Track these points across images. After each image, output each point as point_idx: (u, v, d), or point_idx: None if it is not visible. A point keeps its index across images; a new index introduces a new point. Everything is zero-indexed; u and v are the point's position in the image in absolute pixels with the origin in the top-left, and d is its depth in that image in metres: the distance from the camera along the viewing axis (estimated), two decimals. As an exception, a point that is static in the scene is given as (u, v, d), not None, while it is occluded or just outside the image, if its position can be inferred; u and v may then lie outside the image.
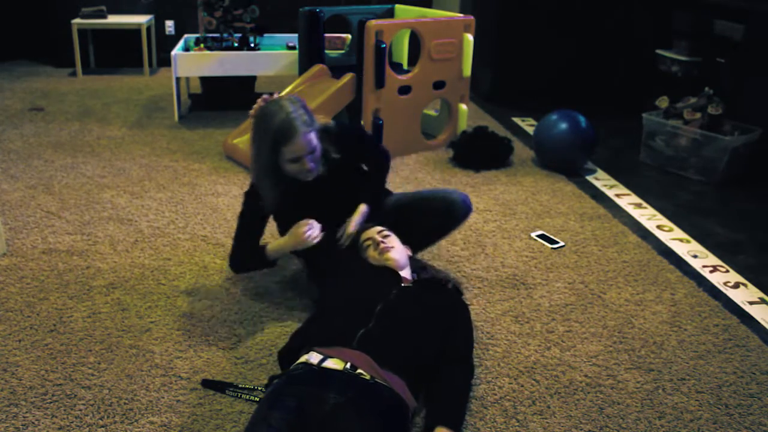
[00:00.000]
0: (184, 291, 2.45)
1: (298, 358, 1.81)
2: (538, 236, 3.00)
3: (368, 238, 2.31)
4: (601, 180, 3.78)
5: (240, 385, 1.93)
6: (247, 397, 1.89)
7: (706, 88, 3.87)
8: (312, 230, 2.18)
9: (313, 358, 1.75)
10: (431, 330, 1.94)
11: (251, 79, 4.99)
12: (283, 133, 2.14)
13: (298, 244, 2.21)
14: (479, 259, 2.78)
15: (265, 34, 4.89)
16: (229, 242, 2.81)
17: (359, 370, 1.70)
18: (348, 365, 1.71)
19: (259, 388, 1.91)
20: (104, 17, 5.70)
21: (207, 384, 1.95)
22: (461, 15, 4.03)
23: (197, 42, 4.70)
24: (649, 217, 3.29)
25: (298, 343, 1.86)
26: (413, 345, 1.86)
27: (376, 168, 2.53)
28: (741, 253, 2.96)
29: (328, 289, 2.15)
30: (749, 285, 2.68)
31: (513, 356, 2.15)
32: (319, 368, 1.71)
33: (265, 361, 2.07)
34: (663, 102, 4.00)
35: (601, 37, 5.19)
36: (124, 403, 1.87)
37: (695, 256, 2.90)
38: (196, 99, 5.11)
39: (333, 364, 1.72)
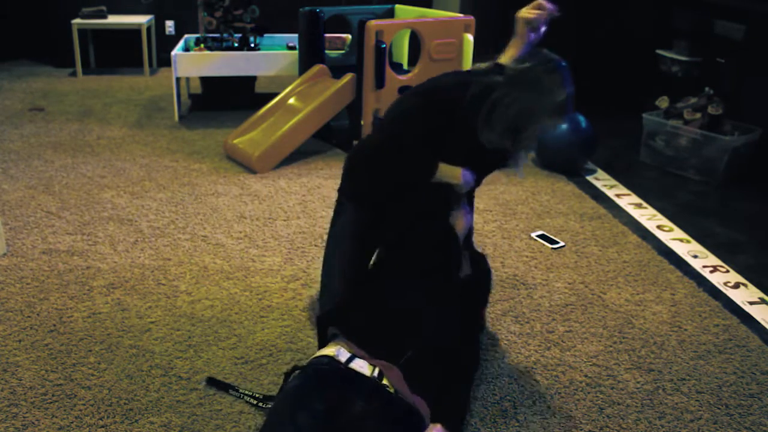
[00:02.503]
0: (184, 291, 2.45)
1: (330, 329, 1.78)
2: (538, 236, 3.00)
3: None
4: (601, 180, 3.78)
5: (242, 390, 1.92)
6: (248, 399, 1.89)
7: (706, 88, 3.87)
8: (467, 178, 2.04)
9: (342, 354, 1.70)
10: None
11: (251, 79, 4.99)
12: (560, 109, 1.87)
13: (454, 178, 2.03)
14: (479, 259, 2.78)
15: (265, 34, 4.89)
16: (229, 242, 2.82)
17: (385, 381, 1.65)
18: (376, 372, 1.66)
19: (260, 395, 1.89)
20: (104, 17, 5.70)
21: (211, 382, 1.94)
22: (461, 15, 4.03)
23: (197, 42, 4.70)
24: (649, 217, 3.29)
25: (343, 326, 1.79)
26: (445, 372, 1.81)
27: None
28: (741, 253, 2.96)
29: (390, 262, 2.04)
30: (749, 285, 2.68)
31: (513, 356, 2.15)
32: (345, 368, 1.66)
33: (265, 361, 2.07)
34: (663, 102, 4.00)
35: (600, 37, 5.19)
36: (124, 403, 1.87)
37: (695, 256, 2.90)
38: (196, 99, 5.11)
39: (361, 366, 1.67)
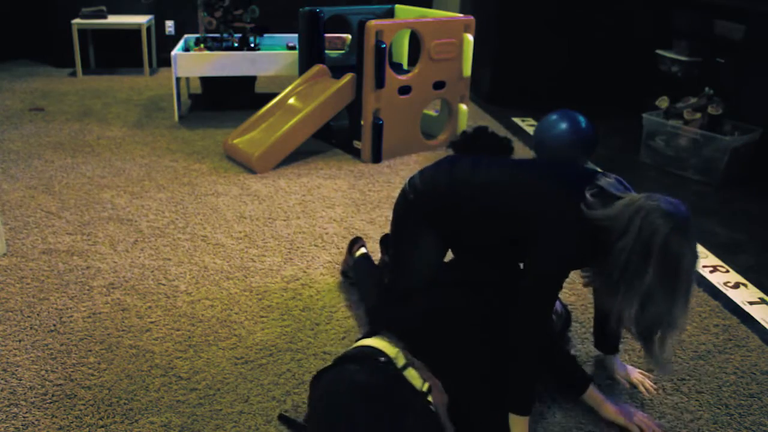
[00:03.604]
0: (184, 291, 2.45)
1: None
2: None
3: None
4: (601, 180, 3.78)
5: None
6: None
7: (706, 88, 3.87)
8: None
9: (400, 359, 1.63)
10: None
11: (251, 79, 4.99)
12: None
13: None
14: (479, 259, 2.77)
15: (265, 34, 4.89)
16: (229, 242, 2.82)
17: (430, 397, 1.60)
18: (425, 387, 1.60)
19: None
20: (104, 17, 5.70)
21: (283, 420, 1.84)
22: (461, 15, 4.03)
23: (197, 42, 4.70)
24: (649, 217, 3.29)
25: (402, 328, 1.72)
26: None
27: None
28: (741, 253, 2.96)
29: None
30: (749, 285, 2.68)
31: (513, 356, 2.14)
32: (401, 375, 1.60)
33: (264, 361, 2.07)
34: (663, 102, 4.00)
35: (601, 37, 5.20)
36: (124, 403, 1.87)
37: (695, 256, 2.90)
38: (196, 99, 5.11)
39: (412, 377, 1.61)
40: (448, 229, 1.96)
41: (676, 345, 2.24)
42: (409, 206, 2.02)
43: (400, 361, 1.63)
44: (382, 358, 1.63)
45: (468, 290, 1.87)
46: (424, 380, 1.61)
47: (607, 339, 2.04)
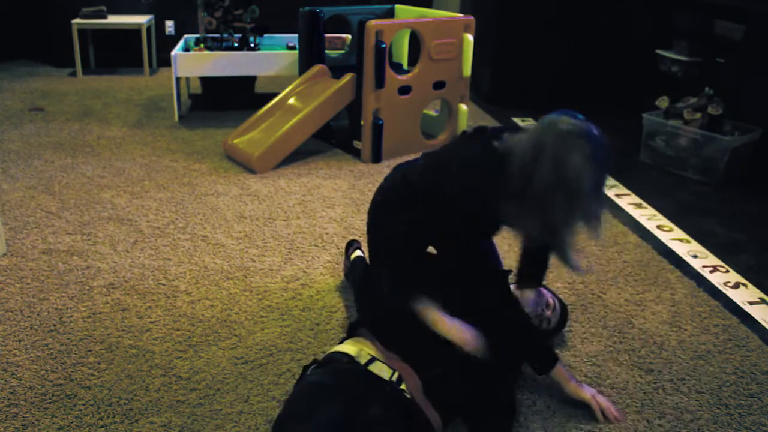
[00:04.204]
0: (184, 291, 2.45)
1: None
2: (538, 236, 2.99)
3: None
4: (601, 180, 3.78)
5: None
6: None
7: (706, 88, 3.87)
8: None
9: (362, 356, 1.69)
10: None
11: (251, 79, 4.99)
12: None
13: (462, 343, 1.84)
14: (479, 259, 2.77)
15: (265, 34, 4.89)
16: (229, 242, 2.82)
17: (403, 385, 1.65)
18: (395, 376, 1.65)
19: None
20: (104, 17, 5.70)
21: None
22: (461, 15, 4.03)
23: (197, 42, 4.70)
24: (649, 217, 3.29)
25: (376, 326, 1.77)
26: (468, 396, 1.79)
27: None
28: (741, 253, 2.96)
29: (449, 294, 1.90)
30: (749, 285, 2.68)
31: (513, 356, 2.15)
32: (365, 370, 1.65)
33: (264, 361, 2.07)
34: (663, 102, 4.00)
35: (600, 37, 5.19)
36: (124, 403, 1.87)
37: (695, 256, 2.90)
38: (196, 99, 5.11)
39: (380, 369, 1.66)
40: (414, 224, 1.97)
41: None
42: (377, 208, 2.08)
43: (364, 358, 1.68)
44: (346, 359, 1.69)
45: (446, 284, 1.91)
46: (394, 370, 1.65)
47: (530, 268, 2.09)
